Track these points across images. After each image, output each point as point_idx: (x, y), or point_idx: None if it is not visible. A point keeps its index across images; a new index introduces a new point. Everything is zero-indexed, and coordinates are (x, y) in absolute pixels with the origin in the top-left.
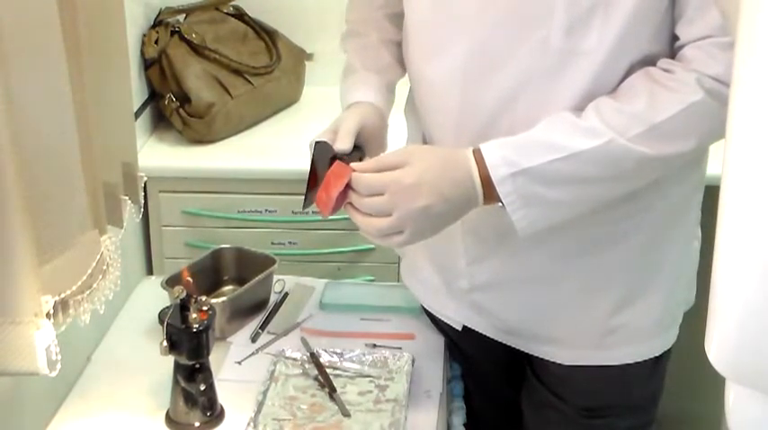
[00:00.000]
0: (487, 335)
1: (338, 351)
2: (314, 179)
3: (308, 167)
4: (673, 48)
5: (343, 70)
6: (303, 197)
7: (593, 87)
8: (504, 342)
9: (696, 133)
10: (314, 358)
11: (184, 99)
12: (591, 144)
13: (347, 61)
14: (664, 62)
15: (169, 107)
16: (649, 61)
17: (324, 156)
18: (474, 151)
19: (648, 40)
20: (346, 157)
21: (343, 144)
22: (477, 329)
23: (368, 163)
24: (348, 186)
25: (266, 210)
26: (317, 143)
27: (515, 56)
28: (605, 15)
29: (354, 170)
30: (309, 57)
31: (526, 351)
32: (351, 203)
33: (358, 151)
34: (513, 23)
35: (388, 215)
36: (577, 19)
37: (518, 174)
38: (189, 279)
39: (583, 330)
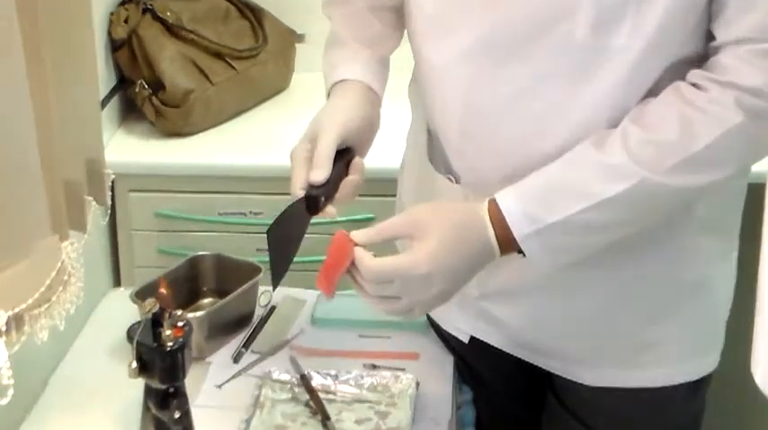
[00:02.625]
0: (500, 347)
1: (332, 372)
2: (283, 254)
3: None
4: (707, 48)
5: (327, 41)
6: (270, 269)
7: (619, 94)
8: (518, 356)
9: (736, 158)
10: (305, 381)
11: (158, 86)
12: (621, 187)
13: (331, 30)
14: (696, 75)
15: (140, 95)
16: (682, 65)
17: (296, 220)
18: (490, 204)
19: (683, 40)
20: (319, 190)
21: (319, 175)
22: (487, 341)
23: (370, 234)
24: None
25: (251, 212)
26: (276, 224)
27: (532, 49)
28: (638, 10)
29: (356, 244)
30: (300, 38)
31: (544, 368)
32: (353, 274)
33: (346, 153)
34: (533, 11)
35: (397, 298)
36: (607, 12)
37: (543, 230)
38: (162, 290)
39: (608, 347)
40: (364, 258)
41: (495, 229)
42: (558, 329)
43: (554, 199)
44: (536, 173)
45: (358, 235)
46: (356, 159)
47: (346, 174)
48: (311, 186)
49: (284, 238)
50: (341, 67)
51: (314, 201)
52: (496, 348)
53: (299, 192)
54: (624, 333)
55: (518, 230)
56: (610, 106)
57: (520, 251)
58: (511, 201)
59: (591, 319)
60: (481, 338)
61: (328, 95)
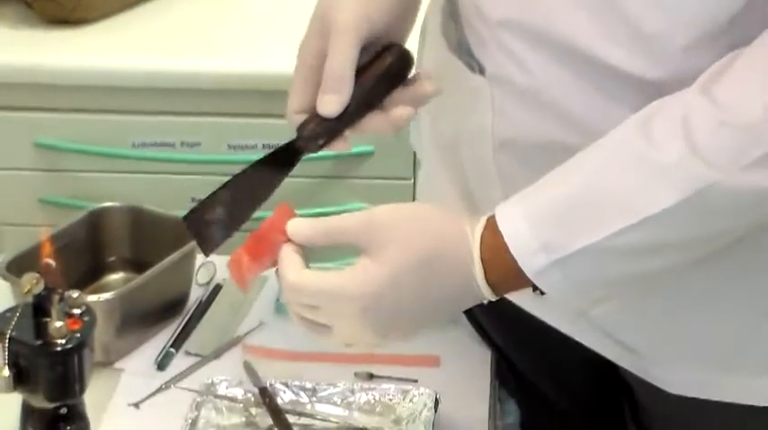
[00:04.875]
0: (560, 329)
1: (308, 385)
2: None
3: (269, 68)
4: None
5: None
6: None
7: None
8: (585, 344)
9: None
10: (266, 397)
11: None
12: (679, 196)
13: None
14: None
15: None
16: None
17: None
18: (487, 228)
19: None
20: (324, 126)
21: (332, 104)
22: (545, 320)
23: (312, 229)
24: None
25: (182, 143)
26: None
27: None
28: None
29: (287, 239)
30: None
31: (620, 364)
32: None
33: (388, 53)
34: None
35: (326, 327)
36: None
37: (565, 260)
38: (48, 261)
39: (705, 345)
40: (288, 264)
41: (486, 263)
42: (646, 317)
43: (579, 217)
44: (552, 178)
45: (295, 227)
46: (427, 86)
47: (389, 84)
48: (317, 117)
49: (248, 191)
50: None
51: (307, 142)
52: (558, 334)
53: (294, 117)
54: (728, 329)
55: (530, 264)
56: None
57: (536, 288)
58: (516, 219)
59: (692, 309)
60: (536, 314)
61: None
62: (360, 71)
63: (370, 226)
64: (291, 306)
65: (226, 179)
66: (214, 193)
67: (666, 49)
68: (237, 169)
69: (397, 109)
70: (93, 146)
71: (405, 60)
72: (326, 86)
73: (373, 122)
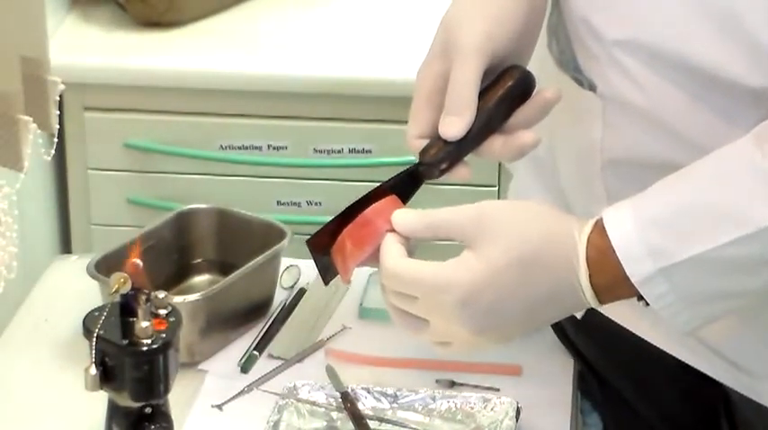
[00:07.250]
0: (660, 346)
1: (389, 391)
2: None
3: (358, 73)
4: None
5: None
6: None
7: None
8: (687, 362)
9: None
10: (348, 402)
11: None
12: None
13: None
14: None
15: None
16: None
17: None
18: (595, 231)
19: None
20: (447, 151)
21: (455, 126)
22: (641, 335)
23: (416, 223)
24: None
25: (269, 146)
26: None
27: None
28: None
29: (390, 229)
30: None
31: (727, 384)
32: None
33: (509, 75)
34: None
35: (423, 322)
36: None
37: (673, 269)
38: (136, 261)
39: None
40: (389, 250)
41: (592, 265)
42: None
43: (690, 224)
44: (664, 185)
45: (401, 217)
46: (548, 92)
47: (510, 107)
48: (439, 141)
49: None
50: None
51: (430, 169)
52: (653, 349)
53: (414, 142)
54: None
55: (635, 270)
56: None
57: (641, 297)
58: (626, 228)
59: None
60: (632, 330)
61: None
62: (481, 94)
63: (479, 220)
64: (388, 296)
65: (313, 184)
66: (334, 219)
67: None
68: (322, 173)
69: (521, 134)
70: (182, 148)
71: (527, 82)
72: (450, 108)
73: (494, 147)
